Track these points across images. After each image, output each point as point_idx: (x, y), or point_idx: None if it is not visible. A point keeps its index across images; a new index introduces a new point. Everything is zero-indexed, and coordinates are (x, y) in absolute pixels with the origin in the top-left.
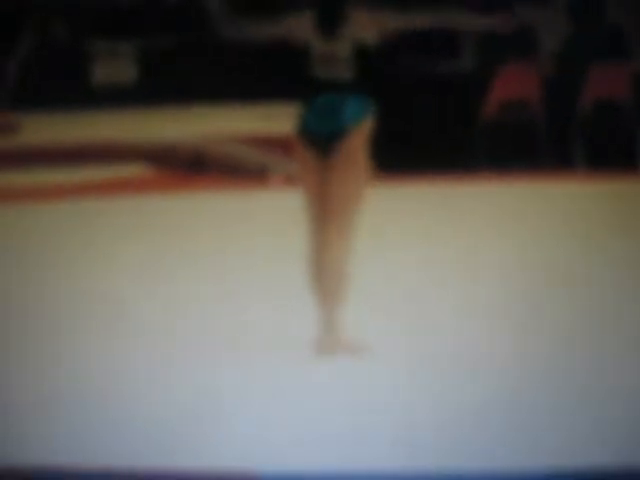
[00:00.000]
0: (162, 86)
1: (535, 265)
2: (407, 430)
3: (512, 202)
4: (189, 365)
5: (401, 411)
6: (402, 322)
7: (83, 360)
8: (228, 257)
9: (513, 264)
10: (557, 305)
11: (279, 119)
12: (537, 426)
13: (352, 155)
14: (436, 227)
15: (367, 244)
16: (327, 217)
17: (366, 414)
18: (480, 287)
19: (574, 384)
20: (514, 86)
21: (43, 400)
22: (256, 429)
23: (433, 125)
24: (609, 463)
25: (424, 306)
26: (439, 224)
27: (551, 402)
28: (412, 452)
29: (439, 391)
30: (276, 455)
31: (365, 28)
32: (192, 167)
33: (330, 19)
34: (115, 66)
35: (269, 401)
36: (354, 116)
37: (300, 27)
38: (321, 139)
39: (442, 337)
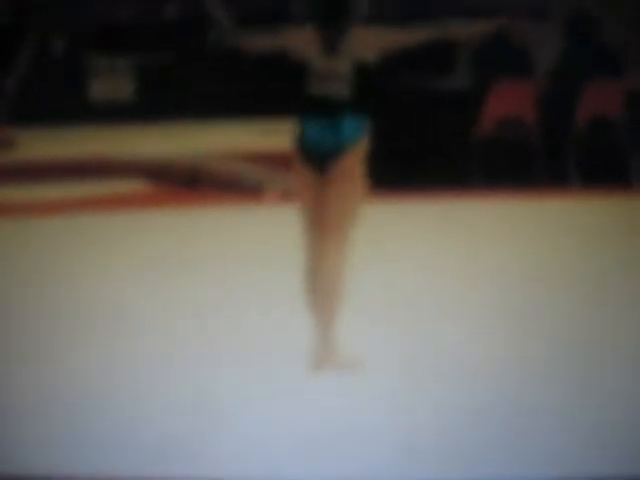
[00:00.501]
0: (160, 102)
1: (531, 277)
2: (407, 437)
3: (508, 218)
4: (188, 376)
5: (401, 419)
6: (401, 334)
7: (83, 368)
8: (225, 272)
9: (510, 277)
10: (552, 315)
11: (277, 135)
12: (537, 433)
13: (349, 172)
14: (433, 242)
15: (365, 259)
16: (323, 232)
17: (366, 423)
18: (478, 299)
19: (574, 391)
20: (510, 103)
21: (42, 407)
22: (255, 438)
23: (429, 141)
24: (609, 469)
25: (422, 318)
26: (436, 239)
27: (551, 408)
28: (413, 459)
29: (439, 399)
30: (275, 464)
31: (365, 45)
32: (189, 183)
33: (332, 35)
34: (113, 82)
35: (268, 410)
36: (353, 135)
37: (301, 42)
38: (319, 156)
39: (441, 347)
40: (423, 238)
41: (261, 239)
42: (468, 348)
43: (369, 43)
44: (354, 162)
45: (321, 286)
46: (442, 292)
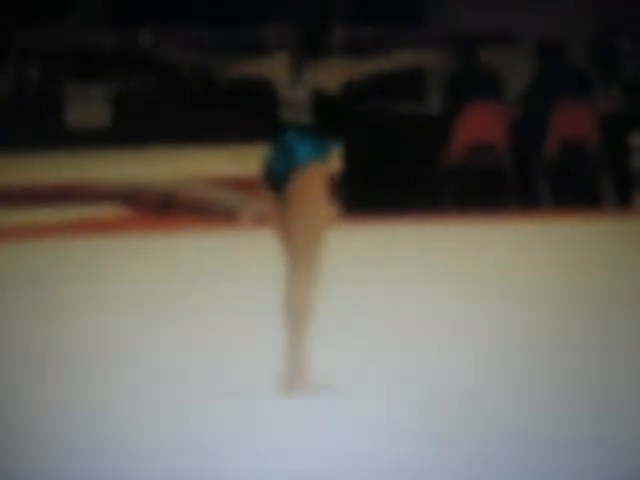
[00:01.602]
0: (135, 128)
1: (504, 297)
2: (400, 466)
3: (479, 241)
4: (166, 408)
5: (394, 448)
6: (378, 356)
7: (59, 402)
8: (202, 299)
9: (483, 298)
10: (528, 334)
11: (251, 160)
12: (524, 456)
13: (304, 191)
14: (407, 265)
15: (337, 283)
16: (288, 251)
17: (357, 451)
18: (451, 321)
19: (564, 416)
20: (480, 128)
21: (34, 442)
22: (249, 474)
23: (400, 167)
24: None
25: (397, 341)
26: (409, 263)
27: (541, 435)
28: None
29: (419, 423)
30: None
31: (332, 74)
32: (164, 208)
33: (301, 64)
34: (89, 108)
35: (259, 445)
36: (307, 155)
37: (271, 71)
38: (273, 178)
39: (415, 368)
40: (395, 262)
41: (236, 263)
42: (443, 373)
43: (337, 72)
44: (309, 182)
45: (289, 305)
46: (415, 314)
